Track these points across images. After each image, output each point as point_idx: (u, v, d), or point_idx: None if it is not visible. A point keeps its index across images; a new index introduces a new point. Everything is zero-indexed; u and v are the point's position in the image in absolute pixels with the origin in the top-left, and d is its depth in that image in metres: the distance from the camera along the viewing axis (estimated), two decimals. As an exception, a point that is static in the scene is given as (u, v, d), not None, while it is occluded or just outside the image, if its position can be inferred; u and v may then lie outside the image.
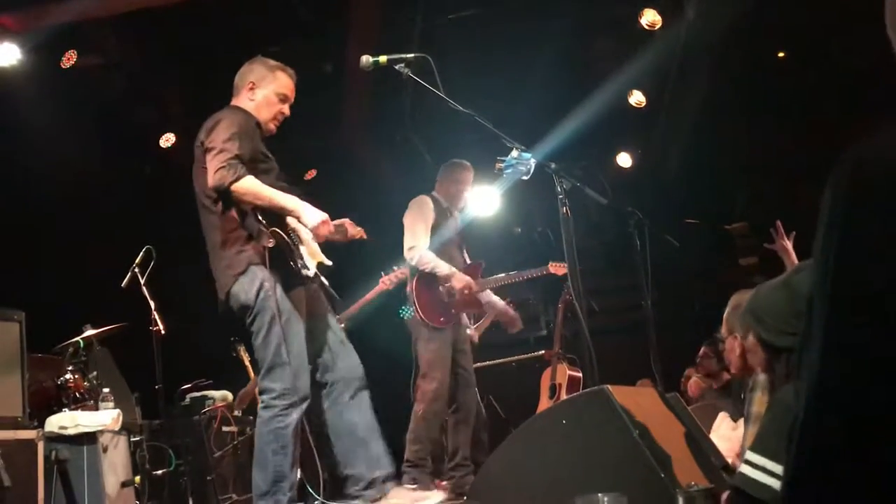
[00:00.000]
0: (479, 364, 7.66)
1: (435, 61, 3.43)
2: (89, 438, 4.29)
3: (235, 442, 5.81)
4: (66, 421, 4.33)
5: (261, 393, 3.33)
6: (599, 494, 1.93)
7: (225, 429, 5.84)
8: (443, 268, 4.95)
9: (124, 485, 4.52)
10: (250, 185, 3.24)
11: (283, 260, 3.32)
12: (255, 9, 6.70)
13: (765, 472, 1.97)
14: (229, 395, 6.22)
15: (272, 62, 3.71)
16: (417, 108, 7.89)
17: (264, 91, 3.63)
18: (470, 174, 5.37)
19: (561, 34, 7.34)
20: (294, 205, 3.32)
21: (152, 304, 5.32)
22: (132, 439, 4.94)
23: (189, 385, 6.04)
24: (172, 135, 7.35)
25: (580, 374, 6.21)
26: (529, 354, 7.65)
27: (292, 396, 3.25)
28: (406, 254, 4.99)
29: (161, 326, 5.32)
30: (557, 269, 5.71)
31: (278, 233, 3.30)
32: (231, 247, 3.34)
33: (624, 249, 4.09)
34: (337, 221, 3.62)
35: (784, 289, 2.18)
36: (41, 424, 4.28)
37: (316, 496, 5.61)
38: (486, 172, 5.16)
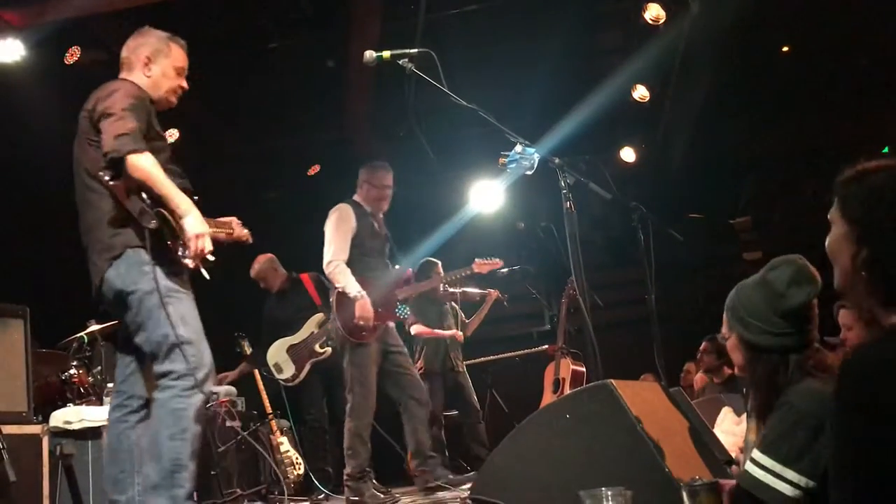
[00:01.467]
0: (482, 359, 7.70)
1: (438, 56, 3.42)
2: (94, 433, 4.30)
3: (239, 437, 5.82)
4: (71, 416, 4.35)
5: (159, 377, 3.02)
6: (603, 488, 1.92)
7: (229, 423, 5.85)
8: (351, 290, 4.80)
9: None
10: (148, 164, 2.96)
11: (164, 245, 3.02)
12: (258, 3, 6.70)
13: (773, 474, 1.96)
14: (233, 390, 6.24)
15: (163, 33, 3.44)
16: (420, 103, 7.88)
17: (160, 66, 3.35)
18: (391, 175, 5.21)
19: (564, 29, 7.33)
20: (182, 205, 3.00)
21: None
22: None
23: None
24: (176, 130, 7.37)
25: (584, 369, 6.21)
26: (533, 349, 7.66)
27: (194, 376, 2.98)
28: (325, 268, 4.93)
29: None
30: (482, 266, 5.83)
31: (163, 214, 3.00)
32: (108, 227, 3.06)
33: (627, 244, 4.09)
34: (224, 219, 3.51)
35: (762, 287, 2.17)
36: (46, 419, 4.29)
37: (322, 489, 5.64)
38: (489, 167, 5.15)
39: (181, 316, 3.01)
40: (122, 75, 3.36)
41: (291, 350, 6.09)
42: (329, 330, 5.09)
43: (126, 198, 3.01)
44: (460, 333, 6.59)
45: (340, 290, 4.83)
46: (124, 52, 3.41)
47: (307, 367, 6.01)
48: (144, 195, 2.99)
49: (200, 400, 3.02)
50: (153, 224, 2.96)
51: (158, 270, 3.00)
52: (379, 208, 5.15)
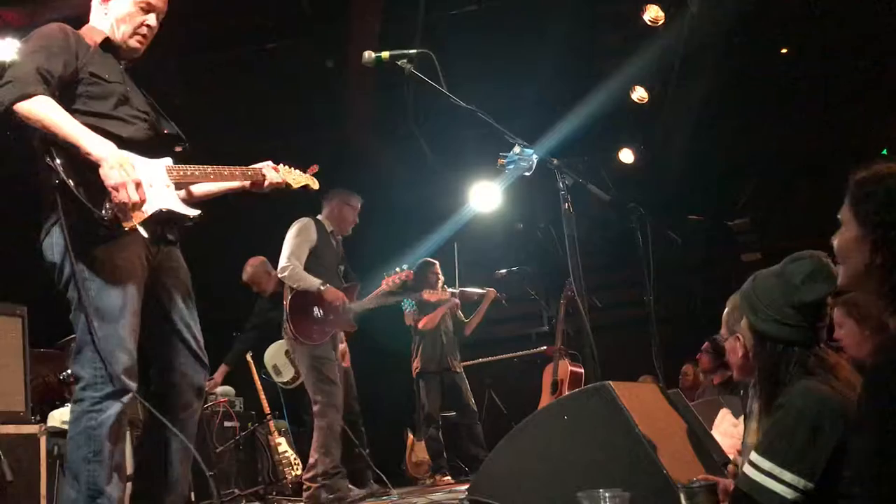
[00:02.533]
0: (481, 360, 7.71)
1: (437, 57, 3.42)
2: (91, 433, 4.28)
3: (237, 437, 5.82)
4: (69, 416, 4.33)
5: (73, 381, 2.66)
6: (601, 490, 1.92)
7: (227, 424, 5.85)
8: (312, 284, 4.97)
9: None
10: (40, 108, 2.48)
11: (82, 207, 2.48)
12: (258, 3, 6.70)
13: (771, 477, 1.95)
14: (231, 391, 6.24)
15: None
16: (420, 104, 7.88)
17: (120, 1, 2.88)
18: (359, 205, 5.45)
19: (563, 30, 7.33)
20: (95, 149, 2.49)
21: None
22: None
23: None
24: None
25: (582, 370, 6.22)
26: (531, 350, 7.66)
27: (106, 386, 2.51)
28: (279, 272, 5.07)
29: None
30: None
31: (73, 167, 2.50)
32: (40, 193, 2.61)
33: (626, 245, 4.08)
34: (257, 165, 3.10)
35: (779, 277, 2.17)
36: (44, 419, 4.29)
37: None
38: (488, 168, 5.15)
39: (96, 307, 2.55)
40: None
41: (288, 354, 6.09)
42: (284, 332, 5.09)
43: (39, 159, 2.55)
44: (457, 301, 6.60)
45: (299, 287, 4.96)
46: None
47: None
48: (53, 151, 2.49)
49: (116, 412, 2.54)
50: (56, 181, 2.46)
51: (82, 241, 2.53)
52: (343, 230, 5.39)
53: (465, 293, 6.75)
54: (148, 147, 2.77)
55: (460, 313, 6.86)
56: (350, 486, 4.99)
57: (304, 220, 5.23)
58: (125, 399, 2.56)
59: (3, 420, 3.88)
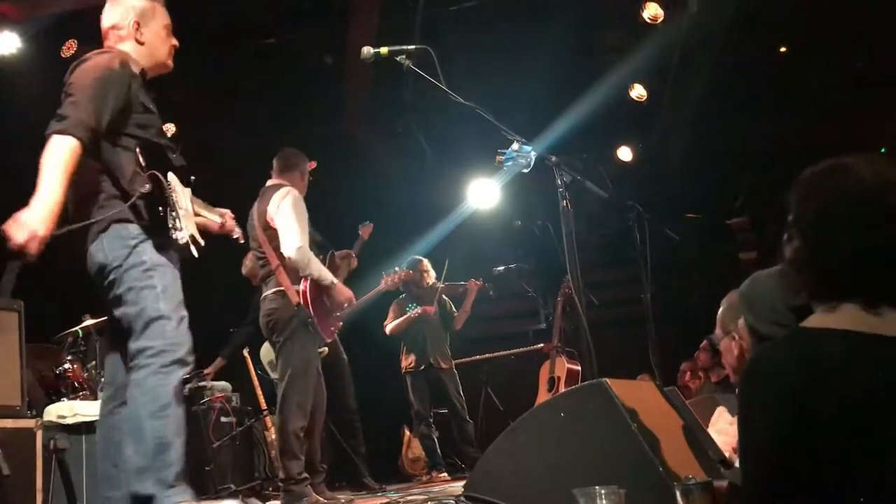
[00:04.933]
0: (478, 357, 7.71)
1: (436, 53, 3.41)
2: (88, 428, 4.29)
3: (234, 432, 5.83)
4: (65, 410, 4.34)
5: (134, 355, 2.76)
6: (597, 487, 1.92)
7: (223, 419, 5.86)
8: (326, 277, 4.43)
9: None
10: (57, 149, 2.70)
11: (156, 213, 2.81)
12: (256, -1, 6.71)
13: None
14: (228, 386, 6.24)
15: None
16: (418, 100, 7.88)
17: (150, 30, 3.08)
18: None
19: (562, 27, 7.33)
20: (40, 198, 2.68)
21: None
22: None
23: (188, 375, 6.04)
24: (172, 125, 7.35)
25: (579, 367, 6.23)
26: (528, 347, 7.66)
27: (173, 353, 2.77)
28: (295, 253, 4.29)
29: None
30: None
31: (157, 177, 2.81)
32: (93, 201, 2.85)
33: (624, 243, 4.09)
34: (221, 210, 3.44)
35: (779, 278, 2.17)
36: (40, 414, 4.29)
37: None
38: (486, 165, 5.15)
39: (163, 290, 2.81)
40: (109, 44, 3.07)
41: None
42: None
43: (113, 162, 2.83)
44: (427, 309, 6.56)
45: (314, 277, 4.38)
46: (105, 23, 3.10)
47: None
48: (141, 159, 2.81)
49: (180, 377, 2.79)
50: (147, 188, 2.77)
51: (146, 242, 2.82)
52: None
53: (448, 287, 6.74)
54: (179, 177, 3.00)
55: (452, 306, 6.86)
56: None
57: (292, 188, 4.53)
58: (187, 369, 2.83)
59: (0, 414, 3.88)
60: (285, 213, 4.38)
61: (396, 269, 6.43)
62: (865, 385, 1.39)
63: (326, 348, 5.89)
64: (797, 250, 1.60)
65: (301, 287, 4.40)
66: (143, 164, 2.80)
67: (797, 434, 1.40)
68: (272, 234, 4.43)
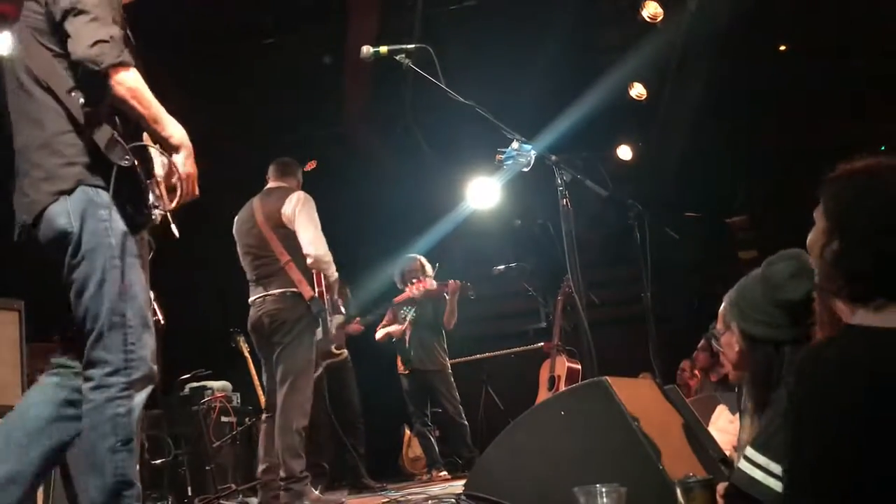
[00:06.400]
0: (478, 356, 7.71)
1: (435, 52, 3.42)
2: (88, 427, 4.28)
3: (234, 432, 5.83)
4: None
5: (88, 367, 2.35)
6: (598, 485, 1.92)
7: (224, 419, 5.86)
8: (335, 274, 4.55)
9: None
10: (138, 81, 2.34)
11: (135, 189, 2.38)
12: (256, -2, 6.71)
13: (766, 472, 1.95)
14: (228, 385, 6.23)
15: None
16: (418, 99, 7.88)
17: None
18: None
19: (562, 26, 7.33)
20: (175, 134, 2.43)
21: (151, 294, 5.31)
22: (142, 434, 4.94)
23: (188, 375, 6.05)
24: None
25: (579, 366, 6.22)
26: (529, 346, 7.67)
27: (136, 371, 2.34)
28: (320, 256, 4.44)
29: (160, 317, 5.31)
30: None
31: (145, 149, 2.44)
32: (58, 153, 2.36)
33: (624, 242, 4.09)
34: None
35: (763, 278, 2.18)
36: (40, 413, 4.28)
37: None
38: (486, 164, 5.15)
39: (130, 288, 2.39)
40: None
41: None
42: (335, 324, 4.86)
43: (94, 123, 2.34)
44: (399, 329, 6.53)
45: (329, 275, 4.51)
46: None
47: (322, 366, 6.01)
48: (118, 120, 2.37)
49: (144, 399, 2.39)
50: (126, 161, 2.31)
51: (119, 222, 2.36)
52: None
53: (428, 291, 6.69)
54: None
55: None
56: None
57: (305, 194, 4.64)
58: (151, 385, 2.42)
59: (0, 414, 3.88)
60: (309, 214, 4.51)
61: (422, 276, 6.47)
62: None
63: (346, 350, 5.95)
64: (837, 252, 1.60)
65: (316, 281, 4.51)
66: (120, 128, 2.38)
67: (858, 437, 1.40)
68: (285, 233, 4.51)
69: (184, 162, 2.43)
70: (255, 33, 7.05)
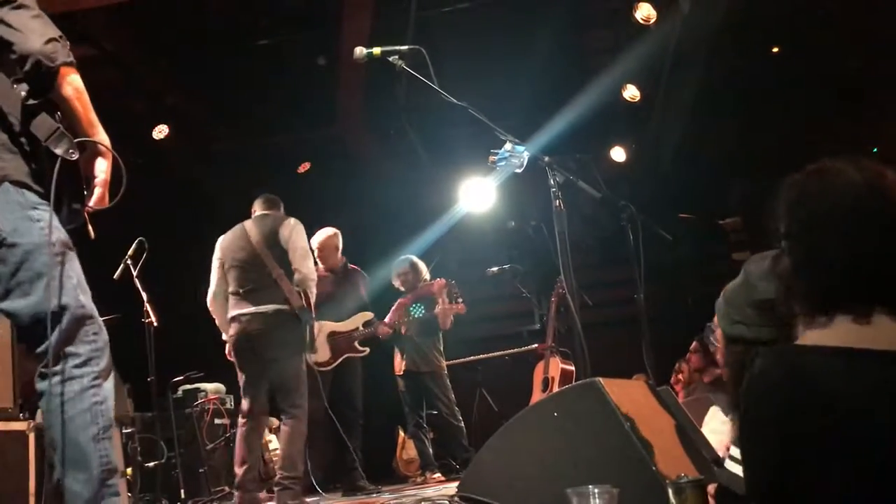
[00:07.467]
0: (472, 357, 7.71)
1: (429, 54, 3.42)
2: (81, 430, 4.27)
3: (227, 434, 5.81)
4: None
5: (57, 362, 2.29)
6: (590, 486, 1.92)
7: (217, 421, 5.85)
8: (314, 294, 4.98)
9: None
10: (81, 83, 2.36)
11: (75, 184, 2.36)
12: (250, 0, 6.69)
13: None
14: (222, 388, 6.22)
15: None
16: (412, 101, 7.88)
17: None
18: None
19: (555, 28, 7.34)
20: (106, 139, 2.41)
21: (144, 296, 5.31)
22: (124, 431, 4.93)
23: (181, 377, 6.04)
24: (165, 126, 7.34)
25: (573, 368, 6.22)
26: (522, 348, 7.66)
27: (101, 360, 2.34)
28: (309, 276, 4.86)
29: (153, 318, 5.31)
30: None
31: (92, 144, 2.38)
32: None
33: (617, 243, 4.08)
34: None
35: (741, 283, 2.19)
36: (32, 416, 4.26)
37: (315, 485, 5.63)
38: (479, 165, 5.15)
39: (79, 282, 2.36)
40: None
41: (332, 336, 6.08)
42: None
43: (31, 116, 2.30)
44: (385, 330, 6.51)
45: (312, 291, 4.89)
46: None
47: (342, 359, 6.05)
48: (59, 114, 2.33)
49: (112, 386, 2.39)
50: (74, 155, 2.29)
51: (52, 218, 2.29)
52: None
53: (418, 294, 6.68)
54: None
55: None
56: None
57: (297, 220, 5.07)
58: (112, 378, 2.41)
59: (-7, 415, 3.87)
60: (303, 237, 4.96)
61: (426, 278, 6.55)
62: (853, 404, 1.38)
63: (368, 348, 6.11)
64: (787, 263, 1.59)
65: (303, 296, 4.91)
66: (60, 118, 2.33)
67: (787, 456, 1.40)
68: (279, 252, 4.86)
69: (105, 169, 2.41)
70: (249, 35, 7.04)
